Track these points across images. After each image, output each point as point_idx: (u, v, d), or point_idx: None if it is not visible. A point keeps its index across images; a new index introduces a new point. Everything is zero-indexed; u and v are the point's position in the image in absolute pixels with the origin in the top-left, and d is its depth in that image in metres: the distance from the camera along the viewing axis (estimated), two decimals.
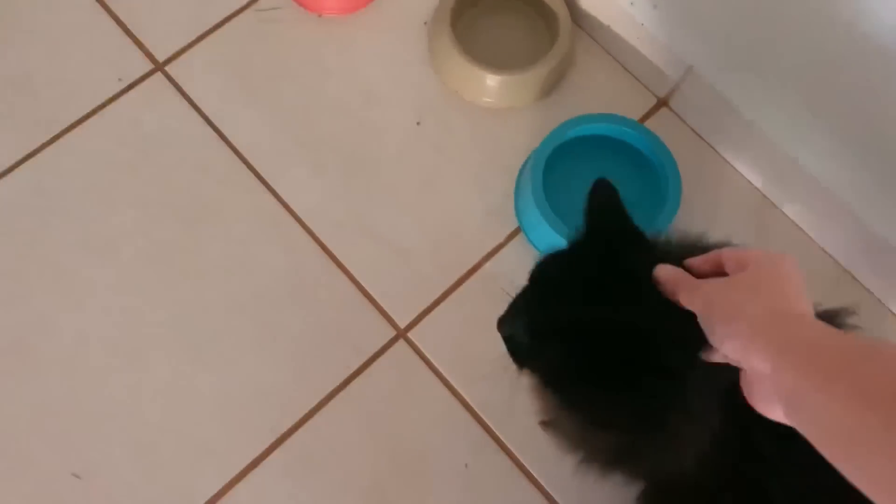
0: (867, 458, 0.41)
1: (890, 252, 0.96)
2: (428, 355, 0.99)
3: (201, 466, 0.94)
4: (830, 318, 0.64)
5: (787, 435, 0.49)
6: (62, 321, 0.98)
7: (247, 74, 1.11)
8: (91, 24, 1.12)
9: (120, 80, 1.10)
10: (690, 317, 0.54)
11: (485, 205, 1.06)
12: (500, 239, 1.05)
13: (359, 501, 0.94)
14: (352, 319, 1.00)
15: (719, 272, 0.56)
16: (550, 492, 0.94)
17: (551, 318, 0.62)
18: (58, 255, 1.01)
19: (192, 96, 1.09)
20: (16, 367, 0.96)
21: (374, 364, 0.99)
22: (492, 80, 1.07)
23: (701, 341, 0.54)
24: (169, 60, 1.11)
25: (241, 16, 1.14)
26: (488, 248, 1.04)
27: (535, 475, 0.95)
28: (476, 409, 0.97)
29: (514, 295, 0.66)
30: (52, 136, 1.06)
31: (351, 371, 0.98)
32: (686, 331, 0.55)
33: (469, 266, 1.03)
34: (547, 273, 0.65)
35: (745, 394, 0.53)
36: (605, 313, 0.58)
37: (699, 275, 0.57)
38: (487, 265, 1.04)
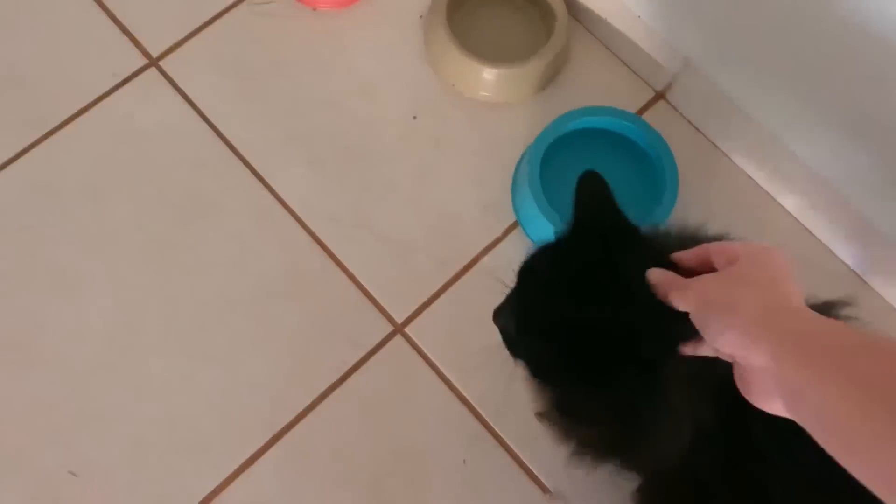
0: (868, 450, 0.41)
1: (889, 245, 0.96)
2: (425, 350, 0.99)
3: (198, 463, 0.93)
4: (826, 310, 0.64)
5: (783, 428, 0.49)
6: (57, 318, 0.98)
7: (241, 69, 1.10)
8: (84, 19, 1.11)
9: (114, 75, 1.09)
10: (679, 314, 0.54)
11: (482, 199, 1.06)
12: (498, 233, 1.04)
13: (357, 497, 0.94)
14: (348, 315, 1.00)
15: (707, 267, 0.56)
16: (548, 486, 0.94)
17: (534, 313, 0.62)
18: (52, 251, 1.01)
19: (186, 91, 1.09)
20: (11, 364, 0.96)
21: (372, 359, 0.98)
22: (488, 74, 1.06)
23: (683, 335, 0.54)
24: (163, 55, 1.10)
25: (235, 10, 1.13)
26: (486, 243, 1.04)
27: (533, 470, 0.94)
28: (474, 405, 0.97)
29: (511, 286, 0.67)
30: (45, 132, 1.05)
31: (348, 367, 0.98)
32: (670, 325, 0.55)
33: (466, 261, 1.03)
34: (533, 267, 0.65)
35: (741, 389, 0.52)
36: (587, 308, 0.58)
37: (687, 269, 0.57)
38: (485, 259, 1.03)
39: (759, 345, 0.47)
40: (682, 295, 0.54)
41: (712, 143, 1.09)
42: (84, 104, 1.07)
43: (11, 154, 1.04)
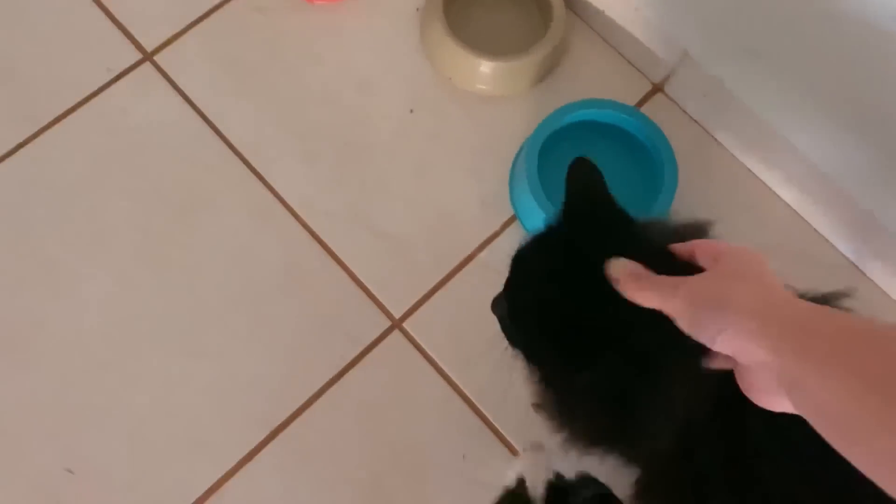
0: (868, 439, 0.41)
1: (888, 237, 0.96)
2: (423, 345, 0.98)
3: (195, 460, 0.93)
4: (825, 302, 0.64)
5: (781, 422, 0.48)
6: (52, 315, 0.97)
7: (237, 63, 1.10)
8: (78, 14, 1.10)
9: (108, 70, 1.08)
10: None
11: (480, 193, 1.05)
12: (496, 227, 1.04)
13: (355, 494, 0.93)
14: (346, 310, 0.99)
15: (694, 263, 0.55)
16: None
17: (524, 300, 0.63)
18: (48, 248, 1.00)
19: (181, 86, 1.08)
20: (7, 362, 0.95)
21: (370, 355, 0.98)
22: (485, 67, 1.06)
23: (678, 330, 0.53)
24: (158, 50, 1.10)
25: (230, 4, 1.12)
26: (483, 237, 1.03)
27: None
28: (473, 399, 0.96)
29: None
30: (39, 128, 1.05)
31: (346, 362, 0.97)
32: (657, 317, 0.54)
33: (464, 255, 1.02)
34: (525, 255, 0.65)
35: (744, 389, 0.51)
36: (575, 297, 0.58)
37: (683, 262, 0.57)
38: (483, 254, 1.03)
39: (759, 339, 0.46)
40: (666, 296, 0.53)
41: (711, 135, 1.09)
42: (78, 100, 1.06)
43: (4, 150, 1.03)
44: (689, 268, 0.55)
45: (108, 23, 1.10)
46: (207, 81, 1.08)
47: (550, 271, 0.61)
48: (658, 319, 0.54)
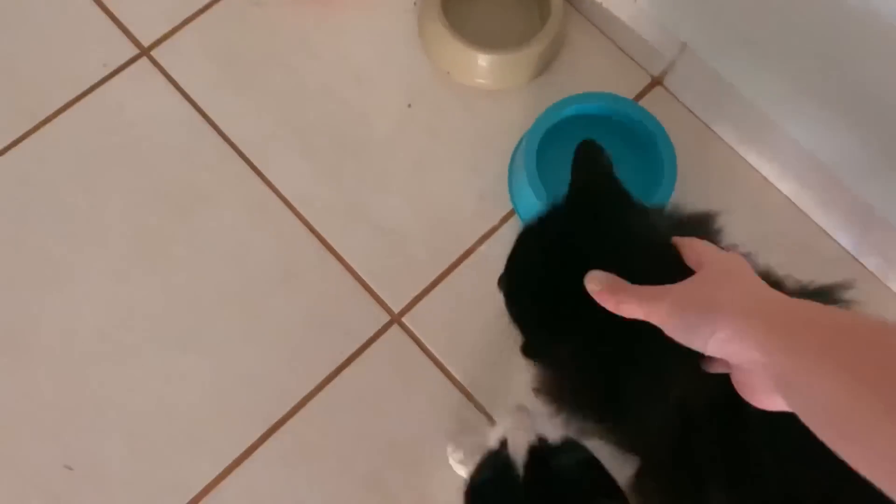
0: (858, 434, 0.41)
1: (888, 229, 0.96)
2: (423, 340, 0.98)
3: (194, 456, 0.93)
4: (826, 293, 0.64)
5: (780, 415, 0.48)
6: (50, 311, 0.97)
7: (234, 58, 1.09)
8: (74, 9, 1.10)
9: (105, 65, 1.08)
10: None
11: (478, 187, 1.05)
12: (495, 221, 1.04)
13: (355, 488, 0.93)
14: (345, 305, 0.99)
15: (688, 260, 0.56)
16: None
17: (519, 275, 0.65)
18: (45, 244, 1.00)
19: (178, 81, 1.07)
20: (5, 359, 0.95)
21: (369, 350, 0.98)
22: (483, 60, 1.05)
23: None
24: (154, 45, 1.09)
25: None
26: (482, 231, 1.03)
27: None
28: (472, 394, 0.96)
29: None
30: (36, 123, 1.04)
31: (345, 357, 0.97)
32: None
33: (463, 249, 1.02)
34: (528, 231, 0.66)
35: (740, 391, 0.51)
36: (567, 274, 0.59)
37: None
38: (482, 248, 1.02)
39: (749, 338, 0.46)
40: (650, 303, 0.52)
41: (710, 128, 1.09)
42: (75, 95, 1.06)
43: (1, 146, 1.03)
44: (682, 265, 0.56)
45: (105, 18, 1.10)
46: (204, 76, 1.08)
47: (548, 248, 0.62)
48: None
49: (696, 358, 0.56)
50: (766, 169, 1.06)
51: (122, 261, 1.00)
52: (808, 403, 0.44)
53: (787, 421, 0.46)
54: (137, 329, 0.97)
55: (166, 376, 0.96)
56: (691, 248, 0.55)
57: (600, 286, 0.55)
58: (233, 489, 0.92)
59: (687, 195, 0.99)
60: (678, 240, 0.57)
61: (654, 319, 0.52)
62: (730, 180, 1.06)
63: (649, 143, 1.00)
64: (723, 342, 0.48)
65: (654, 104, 1.08)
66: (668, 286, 0.53)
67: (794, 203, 1.06)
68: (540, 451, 0.64)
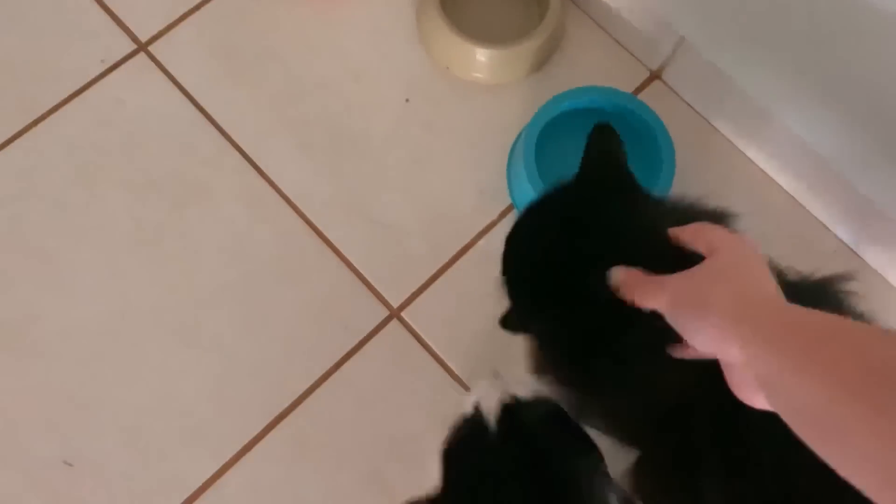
0: (837, 437, 0.41)
1: (887, 222, 0.96)
2: (422, 334, 0.98)
3: (194, 451, 0.93)
4: (827, 285, 0.64)
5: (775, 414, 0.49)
6: (48, 307, 0.97)
7: (232, 53, 1.09)
8: (72, 5, 1.09)
9: (102, 61, 1.07)
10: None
11: (477, 182, 1.05)
12: (493, 216, 1.04)
13: (355, 483, 0.93)
14: (344, 300, 0.99)
15: (695, 247, 0.56)
16: None
17: (513, 252, 0.67)
18: (43, 240, 0.99)
19: (176, 76, 1.07)
20: (3, 354, 0.95)
21: (368, 344, 0.98)
22: (482, 55, 1.05)
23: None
24: (152, 40, 1.09)
25: None
26: (481, 226, 1.03)
27: None
28: (472, 388, 0.96)
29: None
30: (34, 118, 1.04)
31: (344, 352, 0.97)
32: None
33: (462, 244, 1.02)
34: (531, 210, 0.68)
35: (732, 388, 0.52)
36: (557, 254, 0.61)
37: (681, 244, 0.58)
38: (480, 243, 1.02)
39: (732, 339, 0.48)
40: (653, 295, 0.54)
41: (708, 122, 1.09)
42: (73, 90, 1.06)
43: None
44: (681, 255, 0.56)
45: (102, 13, 1.09)
46: (202, 71, 1.08)
47: (551, 223, 0.64)
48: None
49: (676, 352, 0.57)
50: (765, 163, 1.06)
51: (120, 255, 0.99)
52: (789, 405, 0.45)
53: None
54: (136, 324, 0.97)
55: (165, 371, 0.96)
56: (702, 233, 0.56)
57: (617, 281, 0.57)
58: (233, 484, 0.92)
59: (685, 190, 0.99)
60: (688, 226, 0.57)
61: (659, 309, 0.54)
62: (728, 174, 1.06)
63: (648, 138, 1.00)
64: (709, 340, 0.50)
65: (652, 98, 1.08)
66: (668, 276, 0.54)
67: (792, 196, 1.06)
68: (510, 407, 0.65)
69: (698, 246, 0.56)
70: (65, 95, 1.05)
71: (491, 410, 0.65)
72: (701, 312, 0.50)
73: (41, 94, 1.05)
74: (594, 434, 0.73)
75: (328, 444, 0.94)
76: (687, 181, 1.00)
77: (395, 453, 0.94)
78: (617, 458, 0.76)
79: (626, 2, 1.06)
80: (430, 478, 0.91)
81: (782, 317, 0.47)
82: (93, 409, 0.94)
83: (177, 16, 1.10)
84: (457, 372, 0.97)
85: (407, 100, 1.08)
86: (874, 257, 1.02)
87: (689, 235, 0.57)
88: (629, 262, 0.58)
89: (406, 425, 0.95)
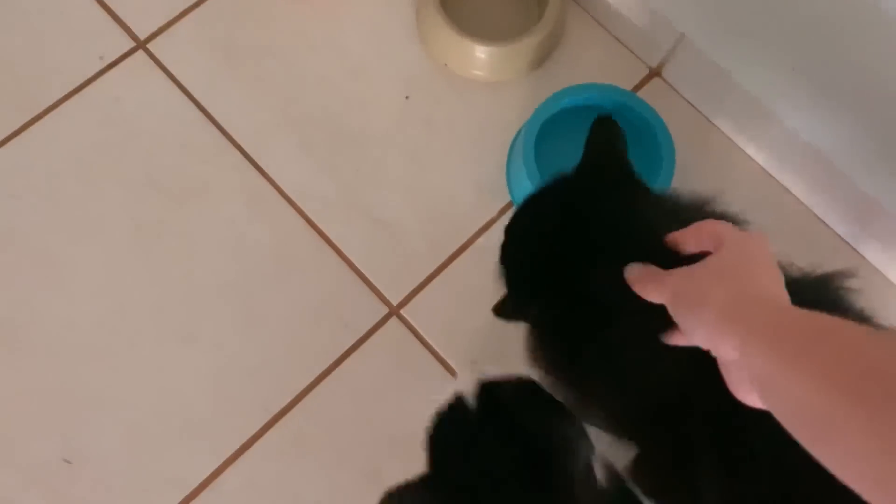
0: (830, 438, 0.41)
1: (886, 219, 0.96)
2: (421, 332, 0.98)
3: (193, 448, 0.93)
4: (828, 281, 0.64)
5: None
6: (48, 305, 0.97)
7: (231, 50, 1.09)
8: (70, 2, 1.09)
9: (101, 58, 1.07)
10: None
11: (476, 179, 1.05)
12: (493, 213, 1.04)
13: (354, 480, 0.93)
14: (343, 297, 0.99)
15: (701, 246, 0.57)
16: None
17: (510, 239, 0.68)
18: (41, 237, 0.99)
19: (175, 74, 1.07)
20: (1, 352, 0.95)
21: (367, 342, 0.98)
22: (481, 52, 1.05)
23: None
24: (151, 37, 1.09)
25: None
26: (480, 223, 1.03)
27: None
28: None
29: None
30: (32, 116, 1.04)
31: (343, 349, 0.97)
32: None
33: (461, 241, 1.02)
34: (536, 197, 0.69)
35: (728, 386, 0.53)
36: (553, 241, 0.62)
37: (681, 248, 0.58)
38: (480, 240, 1.02)
39: (727, 338, 0.48)
40: (657, 289, 0.55)
41: (708, 119, 1.08)
42: (71, 88, 1.05)
43: None
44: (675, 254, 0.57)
45: (101, 10, 1.09)
46: (201, 69, 1.08)
47: (550, 213, 0.65)
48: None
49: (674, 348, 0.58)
50: (765, 160, 1.06)
51: (119, 253, 0.99)
52: (782, 405, 0.45)
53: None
54: (135, 321, 0.97)
55: (164, 369, 0.95)
56: (706, 229, 0.56)
57: (629, 277, 0.58)
58: (232, 482, 0.92)
59: (685, 186, 0.99)
60: (690, 226, 0.57)
61: (658, 301, 0.55)
62: (728, 171, 1.06)
63: (647, 135, 1.00)
64: (705, 338, 0.51)
65: (652, 95, 1.08)
66: (670, 271, 0.54)
67: (792, 193, 1.05)
68: (487, 385, 0.66)
69: (702, 243, 0.56)
70: (63, 93, 1.05)
71: (470, 392, 0.66)
72: (699, 310, 0.51)
73: (39, 91, 1.05)
74: (594, 433, 0.73)
75: (327, 441, 0.94)
76: (686, 178, 1.00)
77: (394, 451, 0.94)
78: (616, 457, 0.76)
79: None
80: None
81: (778, 317, 0.47)
82: (92, 406, 0.94)
83: (176, 13, 1.10)
84: (456, 370, 0.97)
85: (407, 97, 1.08)
86: (874, 254, 1.02)
87: (691, 234, 0.57)
88: (627, 252, 0.58)
89: (405, 423, 0.95)
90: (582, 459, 0.64)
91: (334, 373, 0.96)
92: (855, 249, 1.03)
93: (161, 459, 0.92)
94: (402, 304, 0.99)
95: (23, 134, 1.03)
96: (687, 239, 0.58)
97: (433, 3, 1.05)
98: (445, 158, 1.05)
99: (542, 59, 1.09)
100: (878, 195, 0.95)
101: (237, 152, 1.04)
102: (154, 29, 1.09)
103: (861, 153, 0.93)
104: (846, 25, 0.82)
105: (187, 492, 0.91)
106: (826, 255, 1.02)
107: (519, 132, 1.05)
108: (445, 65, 1.09)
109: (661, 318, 0.55)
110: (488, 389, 0.66)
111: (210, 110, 1.06)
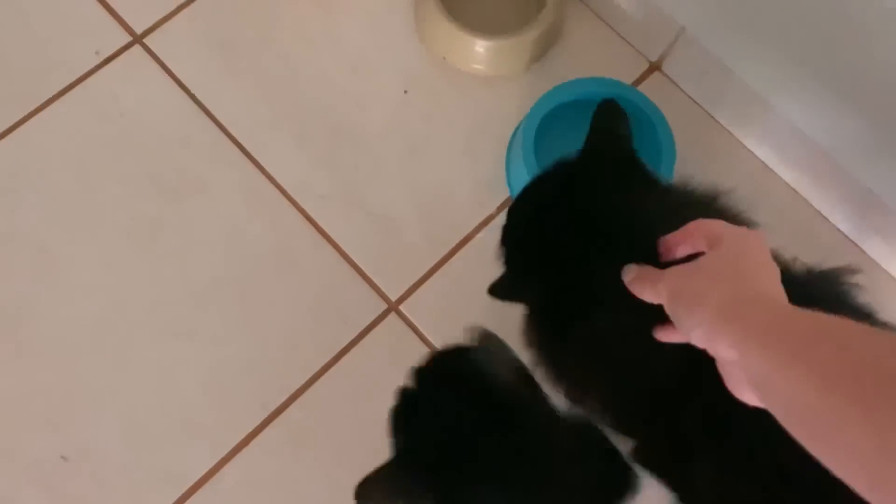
0: (828, 437, 0.41)
1: (887, 214, 0.95)
2: (420, 328, 0.98)
3: (191, 445, 0.92)
4: (832, 277, 0.64)
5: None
6: (44, 300, 0.96)
7: (228, 45, 1.08)
8: None
9: (97, 53, 1.07)
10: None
11: (475, 174, 1.04)
12: (492, 209, 1.03)
13: (353, 477, 0.92)
14: (342, 293, 0.99)
15: (696, 247, 0.57)
16: None
17: (512, 219, 0.69)
18: (38, 234, 0.99)
19: (172, 69, 1.06)
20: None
21: (366, 338, 0.97)
22: (480, 46, 1.04)
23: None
24: (148, 32, 1.08)
25: None
26: (480, 219, 1.02)
27: None
28: None
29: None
30: (28, 112, 1.03)
31: (342, 345, 0.97)
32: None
33: (460, 237, 1.02)
34: (539, 180, 0.70)
35: (726, 383, 0.53)
36: (553, 224, 0.63)
37: (674, 252, 0.58)
38: (479, 236, 1.02)
39: (723, 338, 0.48)
40: (654, 288, 0.55)
41: (708, 113, 1.08)
42: (67, 83, 1.05)
43: None
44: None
45: (97, 5, 1.08)
46: (198, 64, 1.07)
47: (544, 197, 0.66)
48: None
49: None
50: (765, 154, 1.06)
51: (116, 249, 0.99)
52: (780, 403, 0.45)
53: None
54: (132, 317, 0.96)
55: (162, 365, 0.95)
56: (703, 228, 0.56)
57: (626, 277, 0.58)
58: (230, 478, 0.92)
59: (685, 180, 0.99)
60: (683, 227, 0.57)
61: (654, 301, 0.55)
62: (728, 165, 1.06)
63: (648, 129, 1.00)
64: (702, 338, 0.51)
65: (652, 90, 1.07)
66: (664, 271, 0.54)
67: (793, 188, 1.05)
68: (441, 357, 0.69)
69: (696, 244, 0.56)
70: (59, 88, 1.04)
71: (426, 370, 0.68)
72: (695, 310, 0.51)
73: (35, 87, 1.04)
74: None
75: (326, 437, 0.93)
76: (687, 172, 0.99)
77: None
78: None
79: None
80: None
81: (775, 317, 0.47)
82: (89, 402, 0.93)
83: (172, 7, 1.09)
84: None
85: (405, 91, 1.07)
86: (874, 248, 1.02)
87: (685, 235, 0.57)
88: (629, 238, 0.59)
89: None
90: (540, 401, 0.66)
91: (333, 368, 0.96)
92: (856, 244, 1.03)
93: (159, 456, 0.92)
94: (401, 299, 0.99)
95: (18, 129, 1.03)
96: (680, 241, 0.58)
97: None
98: (444, 153, 1.05)
99: (541, 53, 1.09)
100: (879, 190, 0.95)
101: (235, 147, 1.04)
102: (151, 23, 1.08)
103: (862, 147, 0.93)
104: (847, 19, 0.81)
105: (185, 488, 0.91)
106: (826, 249, 1.02)
107: (518, 127, 1.04)
108: (444, 59, 1.08)
109: (654, 308, 0.55)
110: (443, 361, 0.68)
111: (207, 105, 1.05)
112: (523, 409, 0.63)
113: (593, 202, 0.63)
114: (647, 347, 0.61)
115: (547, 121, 0.98)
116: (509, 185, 1.03)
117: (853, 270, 0.64)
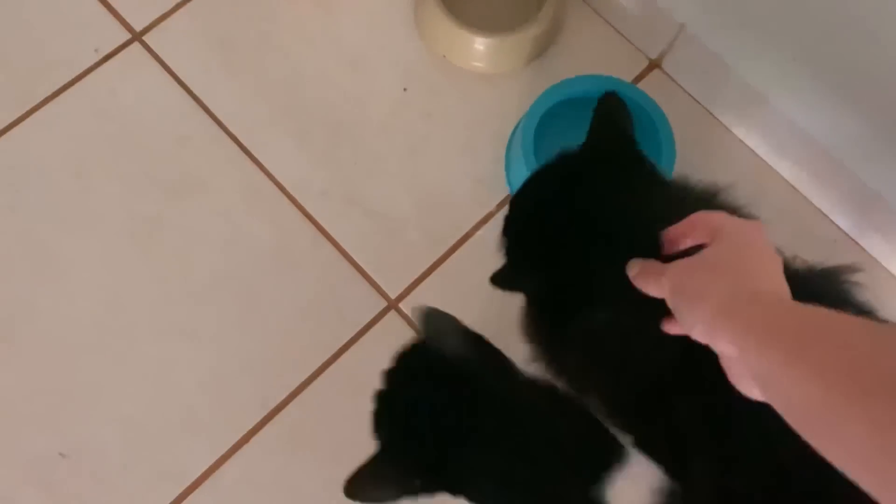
0: (829, 432, 0.41)
1: (886, 211, 0.95)
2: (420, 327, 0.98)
3: (190, 443, 0.92)
4: (831, 275, 0.64)
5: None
6: (44, 298, 0.96)
7: (227, 42, 1.08)
8: None
9: (96, 50, 1.06)
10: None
11: (475, 172, 1.04)
12: (491, 207, 1.03)
13: None
14: (341, 291, 0.99)
15: (697, 239, 0.57)
16: None
17: (514, 210, 0.70)
18: (37, 232, 0.99)
19: (171, 66, 1.06)
20: None
21: (366, 336, 0.97)
22: (480, 44, 1.04)
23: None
24: (146, 29, 1.08)
25: None
26: (479, 216, 1.02)
27: None
28: None
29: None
30: (27, 110, 1.03)
31: (342, 343, 0.97)
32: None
33: (460, 234, 1.01)
34: (536, 177, 0.70)
35: (729, 378, 0.53)
36: (553, 216, 0.64)
37: (677, 244, 0.58)
38: (479, 233, 1.02)
39: (723, 335, 0.48)
40: (656, 283, 0.55)
41: (708, 111, 1.08)
42: (66, 81, 1.05)
43: None
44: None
45: (96, 3, 1.08)
46: (197, 61, 1.07)
47: (546, 189, 0.66)
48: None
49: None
50: (765, 151, 1.05)
51: (115, 247, 0.99)
52: (782, 399, 0.45)
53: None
54: (132, 315, 0.96)
55: (161, 363, 0.95)
56: (702, 221, 0.56)
57: (630, 272, 0.58)
58: (230, 475, 0.92)
59: (685, 177, 0.99)
60: (685, 220, 0.57)
61: (657, 295, 0.55)
62: (728, 162, 1.06)
63: (647, 126, 1.00)
64: (703, 334, 0.51)
65: (652, 87, 1.07)
66: (666, 266, 0.54)
67: (792, 185, 1.05)
68: (401, 353, 0.71)
69: (698, 236, 0.55)
70: (58, 86, 1.04)
71: (392, 371, 0.70)
72: (695, 306, 0.51)
73: (34, 84, 1.04)
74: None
75: (325, 435, 0.93)
76: (686, 170, 0.99)
77: None
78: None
79: None
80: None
81: (776, 313, 0.47)
82: (88, 400, 0.93)
83: (171, 5, 1.09)
84: None
85: (405, 89, 1.07)
86: (874, 246, 1.02)
87: (686, 227, 0.57)
88: (630, 232, 0.58)
89: None
90: (500, 366, 0.69)
91: (332, 366, 0.96)
92: (856, 242, 1.03)
93: (158, 454, 0.92)
94: (401, 297, 0.99)
95: (17, 127, 1.02)
96: (682, 233, 0.57)
97: None
98: (444, 151, 1.05)
99: (541, 50, 1.09)
100: (879, 187, 0.94)
101: (234, 145, 1.03)
102: (150, 21, 1.08)
103: (861, 145, 0.93)
104: (846, 17, 0.81)
105: (185, 486, 0.91)
106: (826, 247, 1.02)
107: (518, 124, 1.04)
108: (444, 56, 1.08)
109: (655, 302, 0.55)
110: (401, 360, 0.71)
111: (206, 103, 1.05)
112: (488, 382, 0.66)
113: (595, 196, 0.63)
114: (647, 343, 0.61)
115: (547, 119, 0.98)
116: (509, 182, 1.03)
117: (854, 269, 0.64)
